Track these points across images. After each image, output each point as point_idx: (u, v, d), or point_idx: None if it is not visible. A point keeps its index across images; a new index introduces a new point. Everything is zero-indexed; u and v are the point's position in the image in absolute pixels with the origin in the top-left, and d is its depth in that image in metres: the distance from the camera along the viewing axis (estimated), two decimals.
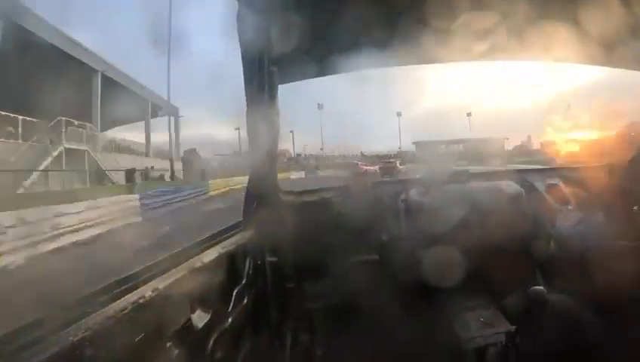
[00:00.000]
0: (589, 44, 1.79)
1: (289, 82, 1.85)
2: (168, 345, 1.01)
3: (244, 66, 1.55)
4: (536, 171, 2.19)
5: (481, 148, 31.85)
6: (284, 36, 1.52)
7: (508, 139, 36.46)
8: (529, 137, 34.91)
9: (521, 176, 2.03)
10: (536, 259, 1.76)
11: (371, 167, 26.22)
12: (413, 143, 39.32)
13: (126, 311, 0.87)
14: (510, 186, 1.92)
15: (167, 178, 22.48)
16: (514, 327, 1.55)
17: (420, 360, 1.59)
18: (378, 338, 1.63)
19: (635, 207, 1.35)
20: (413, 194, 1.91)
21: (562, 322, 1.53)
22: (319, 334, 1.77)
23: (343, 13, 1.58)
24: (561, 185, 1.94)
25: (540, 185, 1.95)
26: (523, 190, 1.91)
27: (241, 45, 1.51)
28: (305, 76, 1.95)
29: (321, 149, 43.19)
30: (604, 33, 1.70)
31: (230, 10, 1.50)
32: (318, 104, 40.51)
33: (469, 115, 38.74)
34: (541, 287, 1.60)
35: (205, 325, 1.18)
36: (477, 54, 1.91)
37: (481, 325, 1.63)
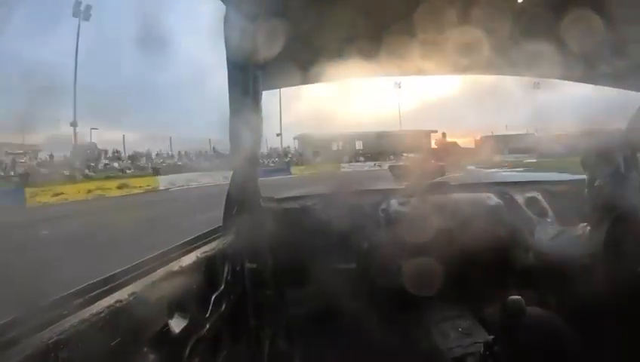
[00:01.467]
0: (571, 61, 1.83)
1: (273, 88, 1.86)
2: (145, 349, 0.99)
3: (228, 70, 1.55)
4: (515, 184, 2.22)
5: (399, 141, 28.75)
6: (271, 42, 1.53)
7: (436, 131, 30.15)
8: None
9: (501, 188, 2.06)
10: (515, 270, 1.78)
11: None
12: (295, 138, 34.90)
13: (102, 315, 0.86)
14: (490, 198, 1.95)
15: None
16: (492, 337, 1.56)
17: None
18: (356, 347, 1.62)
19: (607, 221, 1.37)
20: (393, 203, 1.93)
21: (539, 332, 1.54)
22: (297, 341, 1.75)
23: (330, 22, 1.60)
24: (540, 198, 1.98)
25: (519, 197, 1.99)
26: (502, 202, 1.94)
27: (226, 48, 1.51)
28: (289, 83, 1.96)
29: None
30: (586, 51, 1.75)
31: (217, 12, 1.51)
32: None
33: (398, 85, 32.81)
34: (519, 297, 1.61)
35: (182, 330, 1.17)
36: (461, 68, 1.95)
37: (460, 335, 1.64)
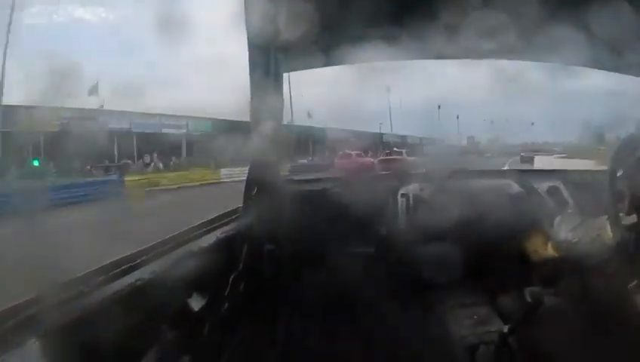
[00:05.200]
0: (597, 48, 1.78)
1: (295, 70, 1.85)
2: (164, 327, 1.01)
3: (249, 52, 1.55)
4: (537, 172, 2.18)
5: None
6: (292, 24, 1.51)
7: None
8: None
9: (522, 176, 2.03)
10: (533, 260, 1.77)
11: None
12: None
13: (123, 293, 0.87)
14: (510, 186, 1.92)
15: None
16: (507, 327, 1.55)
17: (412, 355, 1.60)
18: (371, 331, 1.64)
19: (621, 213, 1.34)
20: (413, 188, 1.92)
21: (556, 324, 1.53)
22: (313, 323, 1.77)
23: (352, 4, 1.57)
24: (561, 187, 1.94)
25: (540, 186, 1.96)
26: (523, 190, 1.91)
27: (247, 30, 1.50)
28: (311, 65, 1.94)
29: None
30: (613, 38, 1.70)
31: None
32: None
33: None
34: (537, 288, 1.60)
35: (201, 309, 1.19)
36: (483, 53, 1.91)
37: (475, 323, 1.64)
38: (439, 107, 24.61)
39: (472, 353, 1.56)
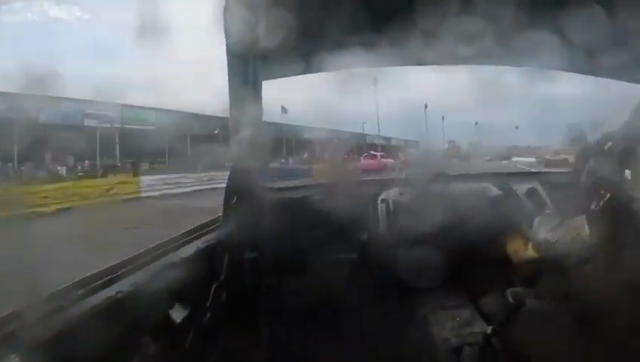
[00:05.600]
0: (575, 51, 1.82)
1: (274, 78, 1.85)
2: (146, 340, 1.00)
3: (228, 60, 1.54)
4: (515, 175, 2.22)
5: None
6: (271, 32, 1.51)
7: None
8: None
9: (500, 179, 2.06)
10: (514, 261, 1.79)
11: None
12: None
13: (103, 306, 0.87)
14: (489, 189, 1.95)
15: None
16: (490, 328, 1.57)
17: (395, 359, 1.60)
18: (355, 337, 1.64)
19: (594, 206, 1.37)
20: (393, 194, 1.93)
21: (539, 325, 1.54)
22: (297, 331, 1.77)
23: (331, 11, 1.58)
24: (539, 188, 1.98)
25: (518, 188, 1.98)
26: (502, 193, 1.94)
27: (226, 38, 1.50)
28: (290, 73, 1.95)
29: None
30: (589, 42, 1.73)
31: (217, 1, 1.49)
32: None
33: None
34: (519, 289, 1.62)
35: (183, 320, 1.18)
36: (462, 59, 1.93)
37: (458, 325, 1.65)
38: (426, 106, 24.74)
39: (456, 355, 1.57)
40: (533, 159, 18.24)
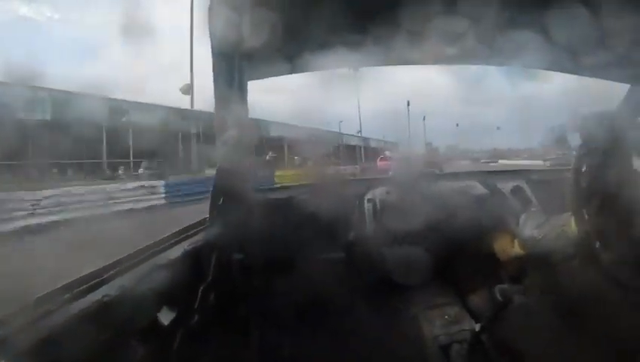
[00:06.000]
0: (558, 51, 1.85)
1: (259, 78, 1.85)
2: (134, 342, 1.00)
3: (213, 60, 1.54)
4: (500, 173, 2.24)
5: None
6: (256, 32, 1.52)
7: None
8: None
9: (486, 177, 2.08)
10: (500, 259, 1.80)
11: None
12: None
13: (90, 309, 0.86)
14: (475, 187, 1.97)
15: None
16: (479, 325, 1.58)
17: (385, 357, 1.60)
18: (343, 336, 1.64)
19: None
20: (380, 193, 1.94)
21: (526, 321, 1.56)
22: (286, 331, 1.76)
23: (316, 12, 1.59)
24: (525, 187, 2.00)
25: (503, 186, 2.01)
26: (487, 191, 1.96)
27: (211, 38, 1.50)
28: (276, 73, 1.95)
29: None
30: (572, 41, 1.76)
31: (202, 1, 1.49)
32: None
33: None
34: (506, 286, 1.64)
35: (171, 322, 1.17)
36: (447, 58, 1.95)
37: (446, 322, 1.66)
38: (408, 103, 23.68)
39: (445, 352, 1.58)
40: (540, 162, 17.73)
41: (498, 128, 26.33)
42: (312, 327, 1.73)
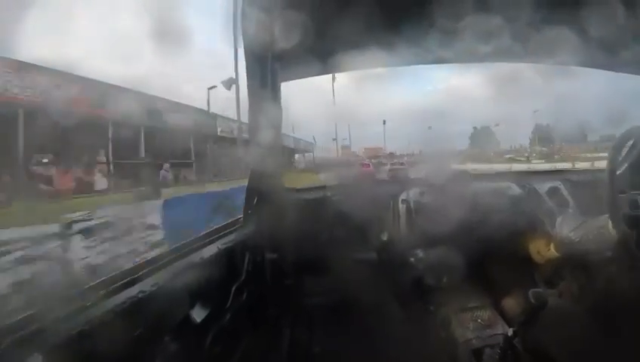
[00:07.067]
0: (592, 47, 1.79)
1: (292, 79, 1.85)
2: (167, 339, 1.01)
3: (246, 62, 1.55)
4: (537, 173, 2.19)
5: None
6: (288, 33, 1.52)
7: None
8: None
9: (522, 178, 2.03)
10: (536, 261, 1.77)
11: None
12: None
13: (125, 305, 0.88)
14: (511, 188, 1.92)
15: None
16: (512, 329, 1.55)
17: (416, 360, 1.59)
18: (375, 337, 1.63)
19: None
20: (414, 194, 1.92)
21: (561, 326, 1.52)
22: (317, 331, 1.77)
23: (347, 11, 1.58)
24: (562, 188, 1.95)
25: (540, 187, 1.96)
26: (523, 192, 1.91)
27: (244, 40, 1.51)
28: (308, 74, 1.95)
29: None
30: (607, 37, 1.71)
31: (235, 4, 1.50)
32: None
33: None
34: (541, 290, 1.60)
35: (204, 320, 1.19)
36: (479, 56, 1.91)
37: (479, 326, 1.64)
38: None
39: (477, 356, 1.55)
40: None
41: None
42: (342, 328, 1.73)
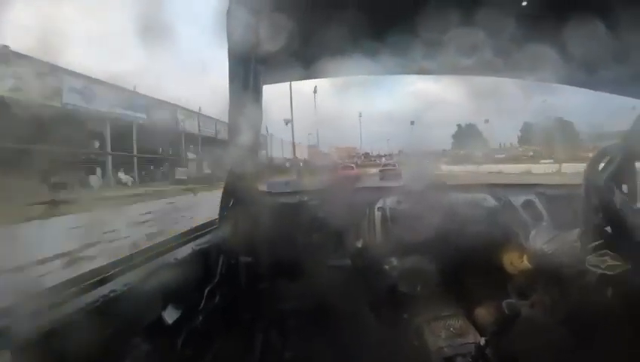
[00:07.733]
0: (573, 66, 1.84)
1: (274, 83, 1.86)
2: (138, 340, 1.00)
3: (229, 63, 1.55)
4: (512, 186, 2.22)
5: None
6: (273, 36, 1.52)
7: None
8: None
9: (498, 190, 2.07)
10: (509, 272, 1.79)
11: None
12: None
13: (96, 304, 0.86)
14: (486, 200, 1.95)
15: None
16: (484, 339, 1.56)
17: None
18: (348, 343, 1.63)
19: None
20: (390, 202, 1.93)
21: (533, 336, 1.54)
22: (290, 335, 1.76)
23: (334, 18, 1.59)
24: (536, 201, 1.98)
25: (515, 200, 1.99)
26: (498, 204, 1.94)
27: (228, 41, 1.51)
28: (291, 78, 1.96)
29: None
30: (588, 56, 1.75)
31: (220, 5, 1.50)
32: None
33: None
34: (513, 300, 1.62)
35: (176, 322, 1.17)
36: (461, 69, 1.95)
37: (451, 334, 1.64)
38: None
39: None
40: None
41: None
42: (315, 333, 1.72)
